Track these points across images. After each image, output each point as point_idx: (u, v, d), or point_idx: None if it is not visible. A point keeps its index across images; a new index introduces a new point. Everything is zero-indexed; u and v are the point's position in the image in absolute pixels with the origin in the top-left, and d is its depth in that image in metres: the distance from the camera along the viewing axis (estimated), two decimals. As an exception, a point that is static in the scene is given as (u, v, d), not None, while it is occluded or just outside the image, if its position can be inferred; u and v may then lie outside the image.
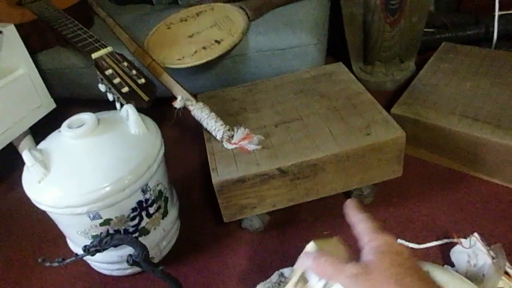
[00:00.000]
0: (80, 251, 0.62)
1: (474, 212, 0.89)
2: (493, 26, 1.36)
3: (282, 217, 0.93)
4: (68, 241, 0.85)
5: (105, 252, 0.64)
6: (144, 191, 0.75)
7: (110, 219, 0.73)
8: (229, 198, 0.79)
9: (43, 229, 1.02)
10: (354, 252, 0.39)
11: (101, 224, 0.73)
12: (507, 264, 0.73)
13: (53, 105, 1.20)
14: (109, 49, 0.93)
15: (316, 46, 1.05)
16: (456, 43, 1.26)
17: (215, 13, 1.16)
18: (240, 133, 0.83)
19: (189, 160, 1.17)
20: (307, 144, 0.81)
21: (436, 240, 0.83)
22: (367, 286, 0.32)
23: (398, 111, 1.01)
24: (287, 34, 1.05)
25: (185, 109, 0.87)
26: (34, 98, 1.14)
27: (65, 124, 0.75)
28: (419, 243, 0.83)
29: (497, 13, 1.34)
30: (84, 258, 0.67)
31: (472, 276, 0.73)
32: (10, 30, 1.07)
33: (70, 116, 0.76)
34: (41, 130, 0.92)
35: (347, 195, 0.94)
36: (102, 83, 0.87)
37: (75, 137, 0.73)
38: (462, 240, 0.79)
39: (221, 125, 0.83)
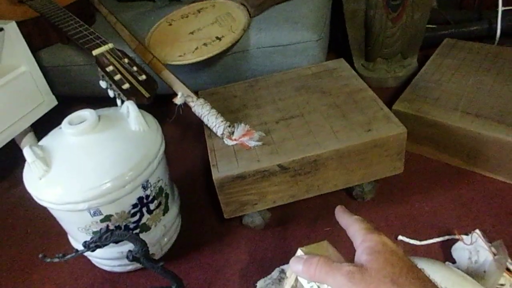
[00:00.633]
0: (81, 247, 0.62)
1: (476, 209, 0.88)
2: (496, 22, 1.35)
3: (283, 213, 0.93)
4: (69, 237, 0.85)
5: (105, 248, 0.64)
6: (144, 188, 0.75)
7: (111, 215, 0.73)
8: (230, 194, 0.79)
9: (45, 225, 1.02)
10: (348, 255, 0.39)
11: (101, 221, 0.73)
12: (509, 260, 0.73)
13: (54, 102, 1.20)
14: (110, 45, 0.93)
15: (317, 42, 1.05)
16: (458, 39, 1.26)
17: (216, 9, 1.16)
18: (240, 129, 0.83)
19: (190, 156, 1.17)
20: (308, 140, 0.80)
21: (438, 236, 0.83)
22: (362, 286, 0.32)
23: (400, 107, 1.01)
24: (288, 31, 1.05)
25: (186, 105, 0.87)
26: (35, 95, 1.14)
27: (66, 120, 0.75)
28: (420, 240, 0.83)
29: (500, 8, 1.33)
30: (86, 254, 0.67)
31: (473, 272, 0.73)
32: (12, 27, 1.07)
33: (72, 113, 0.77)
34: (43, 127, 0.93)
35: (348, 191, 0.94)
36: (103, 80, 0.87)
37: (76, 134, 0.73)
38: (464, 236, 0.79)
39: (222, 121, 0.83)
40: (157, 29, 1.15)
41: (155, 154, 0.76)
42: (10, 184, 1.21)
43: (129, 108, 0.77)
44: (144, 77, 0.85)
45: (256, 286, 0.79)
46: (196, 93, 0.91)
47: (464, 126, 0.93)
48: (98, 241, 0.60)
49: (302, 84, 0.98)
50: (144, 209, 0.78)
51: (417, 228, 0.86)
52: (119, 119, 0.78)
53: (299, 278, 0.39)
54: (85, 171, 0.70)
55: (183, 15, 1.17)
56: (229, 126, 0.83)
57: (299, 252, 0.40)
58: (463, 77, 1.08)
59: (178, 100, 0.85)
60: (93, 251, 0.61)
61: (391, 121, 0.82)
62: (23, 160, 0.72)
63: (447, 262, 0.78)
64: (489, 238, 0.77)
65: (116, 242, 0.62)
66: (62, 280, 0.90)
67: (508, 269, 0.71)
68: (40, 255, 0.61)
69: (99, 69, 0.88)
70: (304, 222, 0.91)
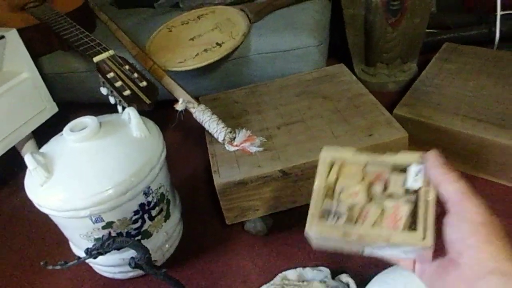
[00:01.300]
0: (82, 254, 0.62)
1: (478, 213, 0.88)
2: (495, 26, 1.35)
3: (285, 219, 0.93)
4: (71, 244, 0.85)
5: (107, 255, 0.64)
6: (146, 194, 0.75)
7: (113, 222, 0.73)
8: (232, 200, 0.79)
9: (47, 232, 1.02)
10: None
11: (103, 227, 0.73)
12: None
13: (55, 109, 1.21)
14: (111, 52, 0.93)
15: (318, 47, 1.05)
16: (458, 44, 1.26)
17: (216, 15, 1.16)
18: (242, 135, 0.83)
19: (192, 162, 1.17)
20: (309, 145, 0.80)
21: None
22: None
23: (401, 112, 1.01)
24: (289, 36, 1.05)
25: (187, 111, 0.87)
26: (37, 102, 1.14)
27: (67, 127, 0.75)
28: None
29: (499, 13, 1.34)
30: (87, 261, 0.67)
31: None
32: (13, 35, 1.07)
33: (73, 119, 0.77)
34: (44, 134, 0.93)
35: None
36: (104, 86, 0.87)
37: (77, 141, 0.73)
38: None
39: (223, 127, 0.83)
40: (158, 35, 1.16)
41: (157, 160, 0.76)
42: (11, 191, 1.21)
43: (130, 115, 0.77)
44: (145, 83, 0.85)
45: (258, 292, 0.79)
46: (197, 99, 0.91)
47: (466, 130, 0.93)
48: (100, 248, 0.60)
49: (303, 89, 0.98)
50: (146, 216, 0.77)
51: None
52: (120, 125, 0.78)
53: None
54: (87, 177, 0.70)
55: (183, 22, 1.18)
56: (230, 132, 0.83)
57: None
58: (463, 82, 1.08)
59: (179, 106, 0.85)
60: (95, 258, 0.61)
61: (392, 126, 0.82)
62: (23, 167, 0.72)
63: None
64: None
65: (118, 249, 0.62)
66: (63, 287, 0.89)
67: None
68: (42, 263, 0.61)
69: (100, 75, 0.88)
70: (306, 227, 0.90)
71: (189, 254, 0.90)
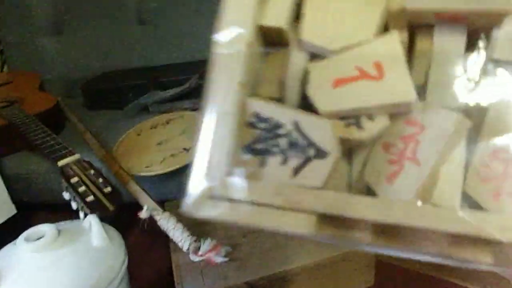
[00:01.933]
0: None
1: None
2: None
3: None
4: None
5: None
6: (102, 310, 0.70)
7: None
8: (195, 315, 0.75)
9: None
10: None
11: None
12: None
13: (13, 211, 1.16)
14: (77, 156, 0.93)
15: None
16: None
17: (185, 121, 1.19)
18: (207, 244, 0.81)
19: (156, 267, 1.12)
20: (276, 255, 0.79)
21: None
22: None
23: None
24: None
25: (151, 218, 0.85)
26: (-7, 204, 1.10)
27: (22, 236, 0.71)
28: None
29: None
30: None
31: None
32: (-24, 136, 1.06)
33: (31, 221, 0.73)
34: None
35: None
36: (66, 191, 0.85)
37: (32, 251, 0.69)
38: None
39: (188, 236, 0.81)
40: (126, 138, 1.17)
41: (117, 271, 0.72)
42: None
43: (91, 223, 0.74)
44: (109, 189, 0.84)
45: None
46: (162, 203, 0.90)
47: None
48: None
49: (269, 194, 0.99)
50: (101, 334, 0.72)
51: None
52: (80, 233, 0.75)
53: None
54: (39, 293, 0.65)
55: (152, 126, 1.20)
56: (195, 241, 0.81)
57: None
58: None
59: (143, 214, 0.83)
60: None
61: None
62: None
63: None
64: None
65: None
66: None
67: None
68: None
69: (63, 180, 0.87)
70: None
71: None
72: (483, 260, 0.34)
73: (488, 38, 0.38)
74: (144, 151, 1.10)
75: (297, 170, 0.37)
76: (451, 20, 0.38)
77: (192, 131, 1.13)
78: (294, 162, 0.37)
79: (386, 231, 0.35)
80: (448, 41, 0.39)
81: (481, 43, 0.38)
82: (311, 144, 0.37)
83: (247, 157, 0.38)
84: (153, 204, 0.87)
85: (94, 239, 0.73)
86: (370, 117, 0.38)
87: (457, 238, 0.33)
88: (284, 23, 0.41)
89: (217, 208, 0.37)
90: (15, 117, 1.18)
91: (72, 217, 0.83)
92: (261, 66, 0.43)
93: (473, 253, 0.33)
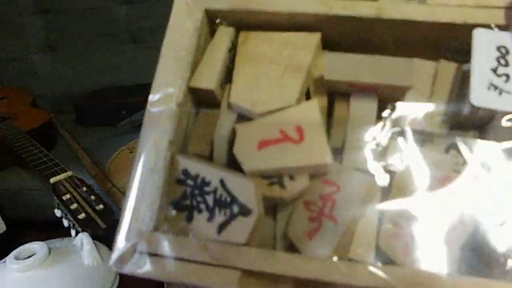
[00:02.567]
0: None
1: None
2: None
3: None
4: None
5: None
6: (92, 330, 0.69)
7: None
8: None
9: None
10: None
11: None
12: None
13: (3, 228, 1.14)
14: (69, 173, 0.93)
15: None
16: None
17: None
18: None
19: (148, 287, 1.11)
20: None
21: None
22: None
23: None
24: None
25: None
26: (-18, 221, 1.09)
27: (11, 255, 0.71)
28: None
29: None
30: None
31: None
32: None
33: (22, 239, 0.73)
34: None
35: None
36: (58, 208, 0.85)
37: (22, 270, 0.69)
38: None
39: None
40: (118, 156, 1.17)
41: (108, 291, 0.72)
42: None
43: (82, 241, 0.74)
44: (101, 206, 0.84)
45: None
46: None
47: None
48: None
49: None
50: None
51: None
52: (71, 252, 0.75)
53: None
54: (28, 313, 0.64)
55: (145, 143, 1.20)
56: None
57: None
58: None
59: (135, 232, 0.83)
60: None
61: None
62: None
63: None
64: None
65: None
66: None
67: None
68: None
69: (55, 197, 0.86)
70: None
71: None
72: None
73: (393, 108, 0.42)
74: (136, 168, 1.09)
75: (222, 227, 0.38)
76: (363, 90, 0.42)
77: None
78: (219, 219, 0.38)
79: (308, 286, 0.36)
80: (361, 109, 0.42)
81: (388, 113, 0.42)
82: (235, 201, 0.38)
83: (175, 213, 0.39)
84: (145, 222, 0.87)
85: (85, 257, 0.73)
86: (292, 177, 0.40)
87: None
88: (214, 86, 0.43)
89: (142, 265, 0.37)
90: (7, 133, 1.18)
91: (63, 235, 0.82)
92: (192, 124, 0.45)
93: None
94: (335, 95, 0.45)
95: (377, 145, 0.40)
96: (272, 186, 0.40)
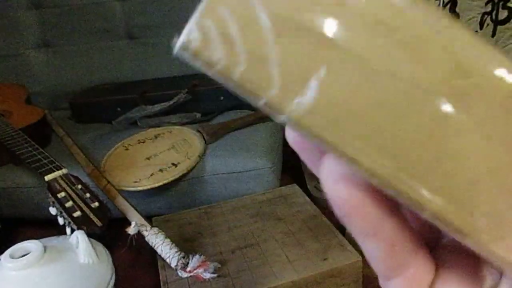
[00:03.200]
0: None
1: None
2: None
3: None
4: None
5: None
6: (88, 328, 0.69)
7: None
8: (182, 332, 0.74)
9: None
10: None
11: None
12: None
13: (-3, 226, 1.14)
14: (64, 171, 0.92)
15: (271, 169, 1.09)
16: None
17: (173, 135, 1.20)
18: (195, 260, 0.81)
19: (144, 284, 1.10)
20: (264, 271, 0.79)
21: None
22: None
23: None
24: (243, 158, 1.09)
25: (139, 234, 0.85)
26: (-23, 219, 1.08)
27: (7, 253, 0.70)
28: None
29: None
30: None
31: None
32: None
33: (16, 237, 0.72)
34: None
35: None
36: (53, 206, 0.84)
37: (17, 268, 0.68)
38: None
39: (176, 252, 0.81)
40: (114, 153, 1.16)
41: (104, 289, 0.71)
42: None
43: (78, 239, 0.74)
44: (97, 204, 0.83)
45: None
46: (150, 219, 0.89)
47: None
48: None
49: (257, 211, 0.99)
50: None
51: None
52: (67, 250, 0.74)
53: None
54: (23, 311, 0.64)
55: (140, 140, 1.20)
56: (184, 257, 0.81)
57: None
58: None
59: (131, 230, 0.83)
60: None
61: (346, 249, 0.83)
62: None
63: None
64: None
65: None
66: None
67: None
68: None
69: (50, 195, 0.86)
70: None
71: None
72: None
73: None
74: (132, 165, 1.09)
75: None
76: None
77: (180, 146, 1.14)
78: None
79: None
80: None
81: None
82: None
83: None
84: (141, 219, 0.87)
85: (81, 255, 0.73)
86: None
87: None
88: None
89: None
90: (1, 131, 1.17)
91: (58, 233, 0.82)
92: None
93: None
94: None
95: None
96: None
